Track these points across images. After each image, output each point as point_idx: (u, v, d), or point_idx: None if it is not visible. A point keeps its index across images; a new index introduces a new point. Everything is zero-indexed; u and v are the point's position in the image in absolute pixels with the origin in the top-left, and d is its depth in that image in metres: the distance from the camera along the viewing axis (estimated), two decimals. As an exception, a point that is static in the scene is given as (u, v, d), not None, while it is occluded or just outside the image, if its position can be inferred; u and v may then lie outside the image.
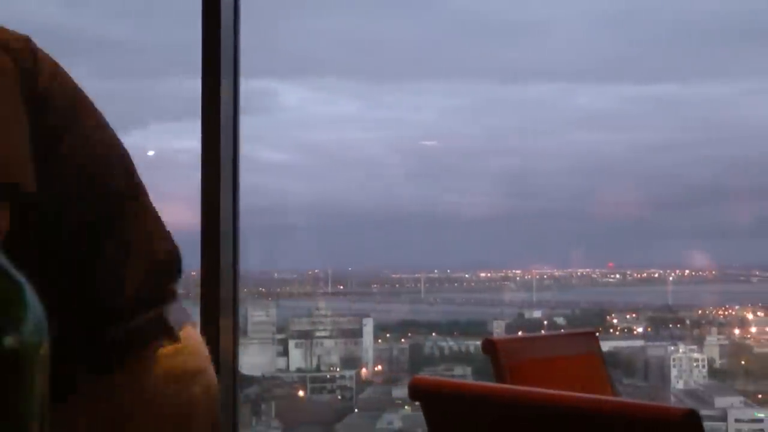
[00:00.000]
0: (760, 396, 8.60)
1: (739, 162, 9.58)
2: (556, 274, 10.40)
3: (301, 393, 9.67)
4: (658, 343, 9.22)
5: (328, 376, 9.72)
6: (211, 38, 3.42)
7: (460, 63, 11.60)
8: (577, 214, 10.91)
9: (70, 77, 2.09)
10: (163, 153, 9.79)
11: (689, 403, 7.26)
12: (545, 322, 9.72)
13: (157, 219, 2.21)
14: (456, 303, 10.55)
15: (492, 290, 10.61)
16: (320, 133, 12.65)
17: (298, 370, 9.77)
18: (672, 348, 9.04)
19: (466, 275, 10.55)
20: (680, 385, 8.80)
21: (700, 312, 9.56)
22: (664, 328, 9.67)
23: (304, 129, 12.36)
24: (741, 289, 9.54)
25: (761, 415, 8.29)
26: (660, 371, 8.96)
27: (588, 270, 10.26)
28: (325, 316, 10.01)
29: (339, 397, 9.68)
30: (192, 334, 2.08)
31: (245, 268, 10.31)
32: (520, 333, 9.61)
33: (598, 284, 10.22)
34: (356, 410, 9.51)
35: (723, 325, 9.17)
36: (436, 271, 10.53)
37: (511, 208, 11.47)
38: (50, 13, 8.56)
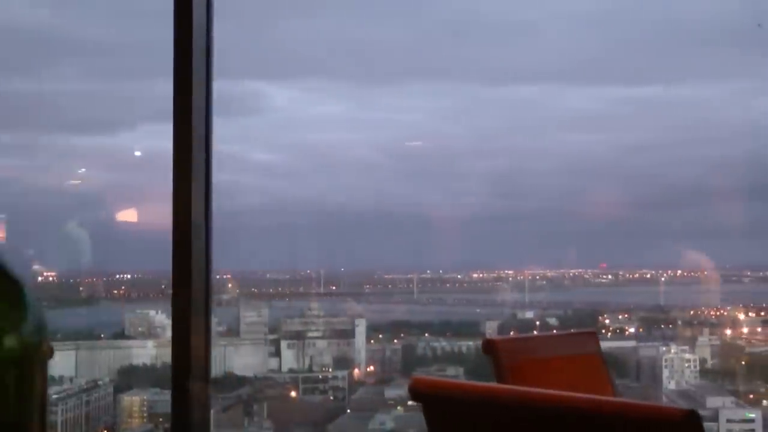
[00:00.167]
0: (751, 396, 8.62)
1: (725, 162, 9.63)
2: (549, 274, 10.41)
3: (293, 393, 9.66)
4: (650, 344, 9.24)
5: (320, 377, 9.71)
6: (183, 39, 3.41)
7: (447, 65, 11.62)
8: (567, 215, 10.94)
9: None
10: (151, 153, 9.78)
11: (681, 404, 7.27)
12: (537, 323, 9.73)
13: None
14: (448, 303, 10.55)
15: (484, 291, 10.62)
16: (310, 134, 12.66)
17: (291, 370, 9.76)
18: (664, 348, 9.05)
19: (459, 276, 10.56)
20: (672, 386, 8.81)
21: (692, 312, 9.58)
22: (656, 329, 9.69)
23: (294, 130, 12.36)
24: (733, 290, 9.57)
25: (752, 415, 8.31)
26: (652, 371, 8.97)
27: (580, 270, 10.28)
28: (318, 316, 10.00)
29: (331, 398, 9.67)
30: None
31: (239, 269, 10.32)
32: (511, 333, 9.62)
33: (590, 285, 10.24)
34: (348, 411, 9.50)
35: (715, 326, 9.19)
36: (428, 271, 10.54)
37: (500, 209, 11.49)
38: (39, 16, 8.54)
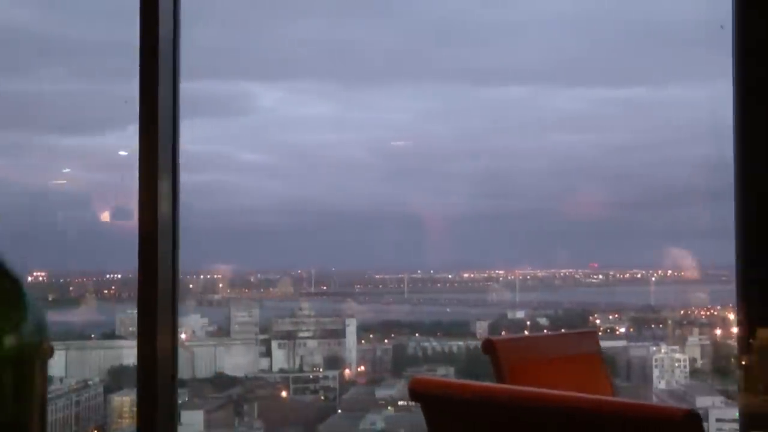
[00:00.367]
0: (741, 396, 8.64)
1: (713, 162, 9.66)
2: (539, 274, 10.42)
3: (284, 393, 9.65)
4: (640, 344, 9.26)
5: (311, 377, 9.71)
6: (148, 40, 3.41)
7: (434, 66, 11.66)
8: (556, 215, 10.96)
9: None
10: (136, 153, 9.72)
11: (672, 403, 7.29)
12: (528, 323, 9.75)
13: None
14: (439, 303, 10.56)
15: (475, 290, 10.62)
16: (297, 134, 12.67)
17: (281, 370, 9.75)
18: (654, 348, 9.07)
19: (449, 276, 10.56)
20: (662, 385, 8.84)
21: (682, 312, 9.59)
22: (646, 329, 9.71)
23: (282, 130, 12.38)
24: (723, 290, 9.59)
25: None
26: (642, 371, 9.00)
27: (571, 270, 10.29)
28: (309, 316, 10.00)
29: (322, 398, 9.67)
30: None
31: (231, 270, 10.31)
32: (503, 333, 9.63)
33: (581, 284, 10.25)
34: (339, 411, 9.50)
35: (705, 326, 9.21)
36: (419, 271, 10.55)
37: (489, 208, 11.51)
38: (23, 16, 8.52)
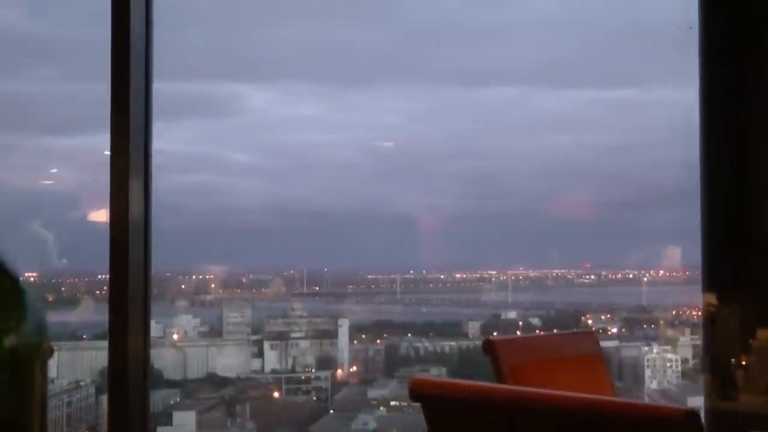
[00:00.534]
0: (732, 395, 8.66)
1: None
2: (532, 274, 10.44)
3: (276, 394, 9.64)
4: (632, 344, 9.27)
5: (303, 377, 9.70)
6: (119, 40, 3.41)
7: (422, 67, 11.69)
8: (548, 215, 10.98)
9: None
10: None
11: (663, 403, 7.30)
12: (520, 323, 9.76)
13: None
14: (431, 304, 10.56)
15: (467, 291, 10.63)
16: (287, 135, 12.68)
17: (273, 371, 9.74)
18: (646, 348, 9.09)
19: (442, 276, 10.57)
20: (654, 385, 8.85)
21: (673, 312, 9.61)
22: (638, 329, 9.73)
23: (272, 131, 12.39)
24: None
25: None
26: (634, 371, 9.01)
27: (563, 271, 10.31)
28: (301, 317, 9.99)
29: (314, 398, 9.66)
30: None
31: (224, 270, 10.29)
32: (494, 333, 9.64)
33: (573, 285, 10.27)
34: (331, 411, 9.49)
35: (696, 326, 9.23)
36: (411, 271, 10.55)
37: (480, 209, 11.53)
38: (11, 16, 8.49)
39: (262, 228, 11.13)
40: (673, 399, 8.52)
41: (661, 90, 10.52)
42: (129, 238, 3.42)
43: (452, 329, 10.04)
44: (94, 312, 9.62)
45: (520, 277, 10.34)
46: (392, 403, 9.20)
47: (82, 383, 9.05)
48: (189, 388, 9.60)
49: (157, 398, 9.36)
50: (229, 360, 9.84)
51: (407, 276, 10.46)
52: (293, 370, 9.75)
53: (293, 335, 9.87)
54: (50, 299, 9.09)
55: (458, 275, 10.56)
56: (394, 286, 10.39)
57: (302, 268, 10.30)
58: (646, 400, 8.51)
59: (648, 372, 8.95)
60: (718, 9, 2.87)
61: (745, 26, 2.79)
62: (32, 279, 8.71)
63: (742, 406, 2.73)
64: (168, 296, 10.16)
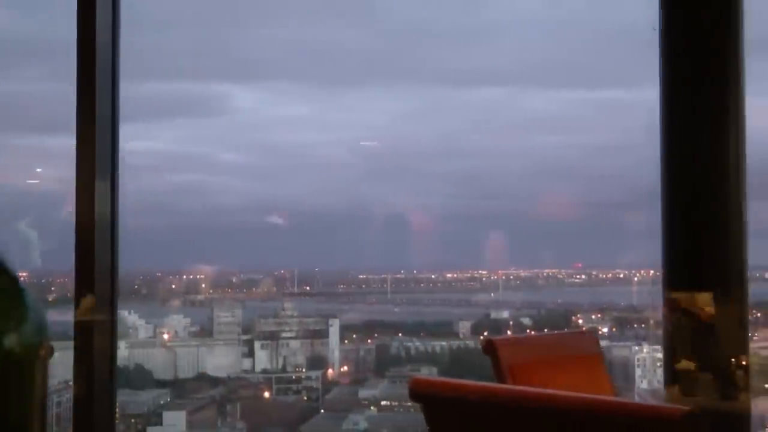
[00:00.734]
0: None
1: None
2: (523, 274, 10.44)
3: (266, 394, 9.63)
4: (622, 343, 9.28)
5: (293, 377, 9.69)
6: (85, 40, 3.40)
7: (409, 67, 11.70)
8: (538, 215, 10.99)
9: None
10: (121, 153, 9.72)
11: (654, 403, 7.30)
12: (511, 323, 9.76)
13: None
14: (422, 303, 10.56)
15: (458, 291, 10.63)
16: (276, 135, 12.67)
17: (264, 371, 9.73)
18: (636, 348, 9.10)
19: (433, 276, 10.57)
20: (644, 385, 8.87)
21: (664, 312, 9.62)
22: (628, 328, 9.74)
23: (261, 130, 12.39)
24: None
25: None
26: (624, 371, 9.02)
27: (554, 270, 10.32)
28: (291, 316, 9.98)
29: (305, 398, 9.65)
30: None
31: (214, 270, 10.27)
32: (485, 333, 9.64)
33: (564, 284, 10.28)
34: (322, 411, 9.48)
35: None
36: (402, 271, 10.55)
37: (470, 209, 11.54)
38: (6, 16, 8.47)
39: (252, 227, 11.12)
40: (663, 399, 8.52)
41: (649, 90, 10.55)
42: (95, 238, 3.40)
43: (443, 329, 10.04)
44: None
45: (511, 277, 10.35)
46: (383, 402, 9.19)
47: (71, 383, 9.03)
48: (179, 388, 9.58)
49: (148, 398, 9.34)
50: (219, 360, 9.83)
51: (398, 276, 10.46)
52: (284, 370, 9.75)
53: (284, 335, 9.86)
54: (40, 299, 9.08)
55: (449, 275, 10.57)
56: (385, 285, 10.39)
57: (293, 267, 10.30)
58: (637, 399, 8.53)
59: (638, 371, 8.97)
60: (679, 9, 2.88)
61: (705, 26, 2.81)
62: (22, 278, 8.68)
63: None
64: (158, 296, 10.14)
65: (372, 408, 9.22)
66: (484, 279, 10.40)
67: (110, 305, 3.54)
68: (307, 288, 10.60)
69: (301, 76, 11.88)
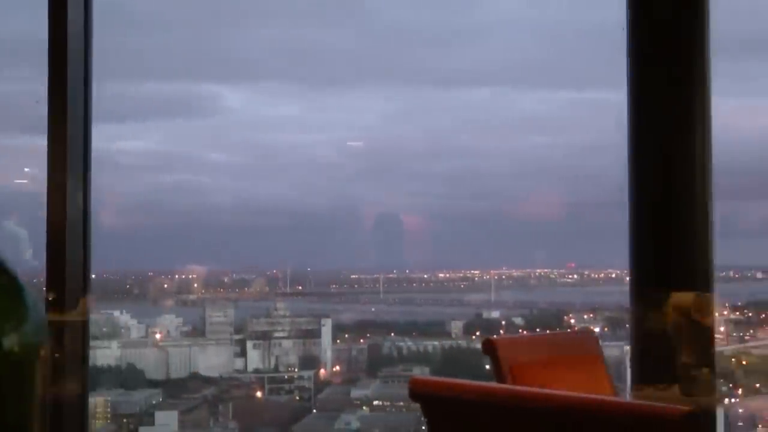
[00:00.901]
0: (713, 395, 8.70)
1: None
2: (515, 274, 10.45)
3: (258, 394, 9.62)
4: (614, 343, 9.29)
5: (286, 377, 9.68)
6: (57, 40, 3.40)
7: (398, 68, 11.73)
8: (529, 215, 11.01)
9: None
10: (104, 153, 9.75)
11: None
12: (503, 322, 9.76)
13: None
14: (415, 303, 10.56)
15: (451, 290, 10.64)
16: (264, 135, 12.68)
17: (256, 370, 9.72)
18: (628, 348, 9.11)
19: (425, 276, 10.58)
20: (636, 385, 8.88)
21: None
22: (620, 328, 9.76)
23: (248, 131, 12.39)
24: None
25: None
26: (617, 370, 9.03)
27: (546, 270, 10.34)
28: (284, 316, 9.97)
29: (297, 398, 9.65)
30: None
31: (206, 269, 10.25)
32: (477, 333, 9.65)
33: (556, 284, 10.29)
34: (314, 411, 9.48)
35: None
36: (394, 271, 10.55)
37: (462, 209, 11.56)
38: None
39: (242, 227, 11.11)
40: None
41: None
42: (66, 238, 3.39)
43: (435, 329, 10.05)
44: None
45: (504, 277, 10.37)
46: (375, 402, 9.20)
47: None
48: (171, 388, 9.57)
49: (140, 398, 9.33)
50: (211, 359, 9.82)
51: (390, 275, 10.47)
52: (276, 370, 9.74)
53: (276, 335, 9.85)
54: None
55: (441, 275, 10.59)
56: (377, 285, 10.40)
57: (285, 267, 10.30)
58: (628, 399, 8.53)
59: (630, 372, 8.98)
60: (644, 9, 2.91)
61: (671, 26, 2.83)
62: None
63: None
64: (150, 296, 10.12)
65: (364, 408, 9.22)
66: (476, 279, 10.41)
67: (83, 306, 3.52)
68: (300, 288, 10.59)
69: (289, 76, 11.89)
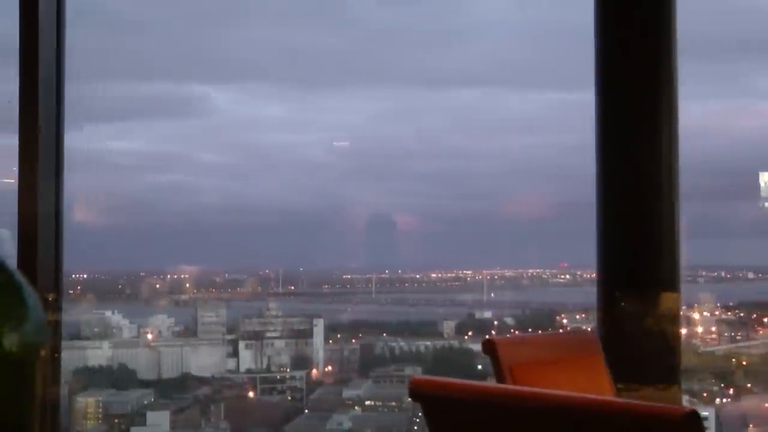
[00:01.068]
0: (704, 394, 8.73)
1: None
2: (507, 274, 10.46)
3: (251, 394, 9.61)
4: (606, 343, 9.31)
5: (278, 377, 9.68)
6: (28, 41, 3.39)
7: (386, 69, 11.74)
8: (519, 215, 11.03)
9: None
10: (94, 153, 9.73)
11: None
12: (495, 323, 9.77)
13: None
14: (407, 303, 10.56)
15: (443, 290, 10.65)
16: (254, 135, 12.68)
17: (248, 370, 9.71)
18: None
19: (417, 276, 10.58)
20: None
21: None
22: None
23: (238, 131, 12.39)
24: (687, 289, 9.66)
25: (705, 414, 8.42)
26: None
27: (539, 270, 10.35)
28: (276, 316, 9.96)
29: (289, 398, 9.64)
30: None
31: (198, 269, 10.23)
32: (470, 333, 9.66)
33: (548, 284, 10.30)
34: (306, 411, 9.48)
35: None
36: (387, 271, 10.55)
37: (453, 209, 11.56)
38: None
39: (234, 227, 11.10)
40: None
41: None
42: (38, 238, 3.38)
43: (427, 329, 10.05)
44: (66, 312, 9.53)
45: (496, 277, 10.37)
46: (367, 402, 9.19)
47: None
48: (163, 388, 9.55)
49: (131, 398, 9.31)
50: (203, 360, 9.81)
51: (383, 276, 10.47)
52: (268, 370, 9.73)
53: (268, 335, 9.84)
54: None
55: (434, 275, 10.59)
56: (370, 285, 10.40)
57: (277, 267, 10.29)
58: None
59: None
60: (610, 9, 2.91)
61: (638, 27, 2.83)
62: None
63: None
64: (142, 296, 10.10)
65: (356, 408, 9.22)
66: (468, 279, 10.42)
67: (55, 305, 3.51)
68: (292, 288, 10.59)
69: (278, 77, 11.89)
